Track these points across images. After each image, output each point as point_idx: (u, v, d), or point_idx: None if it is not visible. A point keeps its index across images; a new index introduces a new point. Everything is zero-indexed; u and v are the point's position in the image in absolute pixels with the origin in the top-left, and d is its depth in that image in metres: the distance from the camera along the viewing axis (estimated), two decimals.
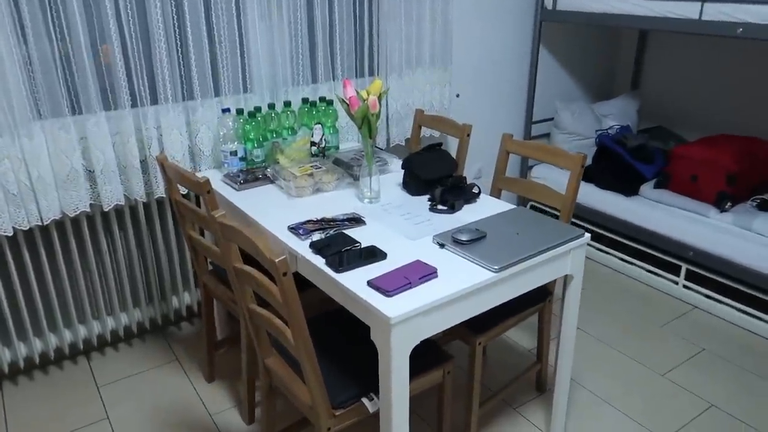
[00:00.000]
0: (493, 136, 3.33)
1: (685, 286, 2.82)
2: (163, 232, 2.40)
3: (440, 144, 2.07)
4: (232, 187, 2.09)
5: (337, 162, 2.21)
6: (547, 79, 3.48)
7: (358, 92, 1.84)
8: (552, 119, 3.50)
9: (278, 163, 2.20)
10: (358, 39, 2.58)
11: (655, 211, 2.89)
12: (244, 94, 2.34)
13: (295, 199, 1.99)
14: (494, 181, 2.19)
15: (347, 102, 1.85)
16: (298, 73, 2.44)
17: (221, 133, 2.19)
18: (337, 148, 2.44)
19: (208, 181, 1.73)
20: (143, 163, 2.20)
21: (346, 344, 1.70)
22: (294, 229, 1.72)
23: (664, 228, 2.83)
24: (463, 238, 1.61)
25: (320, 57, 2.46)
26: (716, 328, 2.62)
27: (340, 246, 1.61)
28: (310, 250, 1.62)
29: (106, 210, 2.13)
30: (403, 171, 2.04)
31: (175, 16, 2.10)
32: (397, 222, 1.80)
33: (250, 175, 2.13)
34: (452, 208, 1.86)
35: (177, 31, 2.12)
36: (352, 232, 1.72)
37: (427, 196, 1.99)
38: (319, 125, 2.18)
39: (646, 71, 3.70)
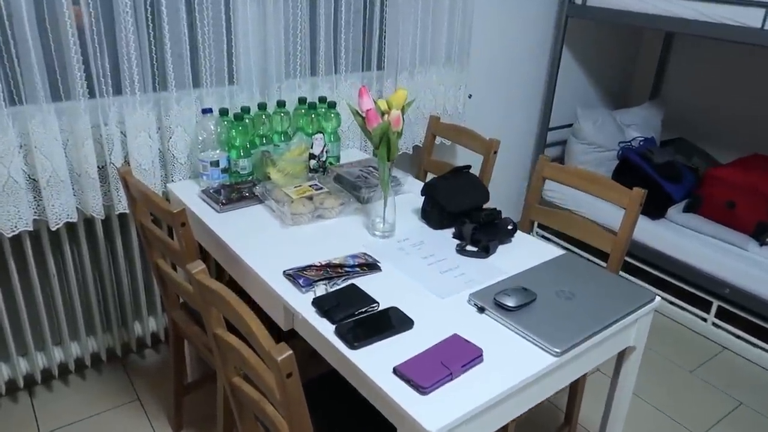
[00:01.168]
0: (505, 142, 2.99)
1: (714, 324, 2.54)
2: (126, 249, 2.01)
3: (468, 167, 1.71)
4: (211, 207, 1.71)
5: (340, 180, 1.84)
6: (565, 82, 3.14)
7: (376, 102, 1.47)
8: (568, 126, 3.17)
9: (269, 177, 1.82)
10: (366, 29, 2.19)
11: (683, 238, 2.60)
12: (230, 87, 1.94)
13: (291, 227, 1.62)
14: (525, 211, 1.85)
15: (362, 114, 1.48)
16: (295, 64, 2.05)
17: (200, 138, 1.80)
18: (338, 158, 2.06)
19: (183, 212, 1.35)
20: (102, 170, 1.80)
21: (356, 427, 1.35)
22: (292, 277, 1.35)
23: (694, 258, 2.54)
24: (510, 303, 1.26)
25: (322, 46, 2.07)
26: (751, 375, 2.35)
27: (352, 306, 1.25)
28: (314, 310, 1.26)
29: (54, 228, 1.72)
30: (423, 197, 1.68)
31: None
32: (420, 269, 1.44)
33: (234, 192, 1.75)
34: (486, 252, 1.52)
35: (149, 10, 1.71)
36: (366, 282, 1.36)
37: (452, 231, 1.64)
38: (321, 135, 1.80)
39: (669, 78, 3.39)
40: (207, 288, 1.07)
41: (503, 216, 1.61)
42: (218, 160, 1.79)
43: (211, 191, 1.76)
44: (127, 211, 1.83)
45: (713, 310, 2.53)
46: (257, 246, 1.51)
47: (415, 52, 2.28)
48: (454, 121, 2.51)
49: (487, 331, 1.22)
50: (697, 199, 2.67)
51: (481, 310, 1.28)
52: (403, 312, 1.25)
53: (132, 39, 1.67)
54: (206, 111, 1.79)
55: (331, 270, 1.38)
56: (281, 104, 1.96)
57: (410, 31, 2.23)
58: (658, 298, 1.37)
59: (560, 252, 1.55)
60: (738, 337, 2.48)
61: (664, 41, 3.33)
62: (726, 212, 2.56)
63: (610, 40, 3.27)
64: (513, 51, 2.80)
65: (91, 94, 1.68)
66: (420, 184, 1.90)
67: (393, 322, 1.21)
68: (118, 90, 1.74)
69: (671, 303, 2.69)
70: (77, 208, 1.78)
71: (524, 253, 1.55)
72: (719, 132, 3.20)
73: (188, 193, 1.80)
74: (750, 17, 2.13)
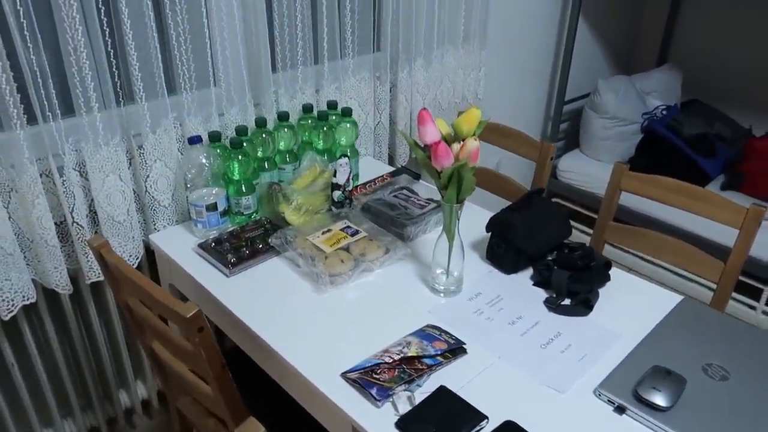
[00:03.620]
0: (516, 118, 2.64)
1: (765, 313, 2.33)
2: (101, 312, 1.58)
3: (541, 191, 1.36)
4: (216, 268, 1.31)
5: (372, 212, 1.46)
6: (576, 51, 2.78)
7: (441, 131, 1.09)
8: (580, 98, 2.83)
9: (281, 216, 1.42)
10: (376, 9, 1.76)
11: None
12: (214, 89, 1.50)
13: (329, 292, 1.25)
14: (597, 230, 1.53)
15: (423, 148, 1.10)
16: (293, 50, 1.61)
17: (187, 176, 1.38)
18: (357, 176, 1.67)
19: (199, 316, 0.95)
20: (61, 228, 1.36)
21: None
22: (359, 384, 0.99)
23: None
24: (661, 400, 0.95)
25: (325, 27, 1.63)
26: None
27: (455, 427, 0.91)
28: None
29: (7, 318, 1.29)
30: (488, 233, 1.33)
31: None
32: (514, 344, 1.11)
33: (243, 244, 1.35)
34: (587, 307, 1.19)
35: None
36: (454, 377, 1.02)
37: (527, 273, 1.30)
38: (346, 159, 1.41)
39: (678, 36, 3.07)
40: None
41: (589, 247, 1.27)
42: (215, 202, 1.38)
43: (211, 244, 1.35)
44: (102, 279, 1.41)
45: (764, 298, 2.31)
46: (291, 328, 1.14)
47: (432, 32, 1.87)
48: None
49: None
50: (737, 175, 2.42)
51: (621, 410, 0.96)
52: (523, 429, 0.92)
53: (82, 42, 1.21)
54: (194, 140, 1.36)
55: (408, 367, 1.02)
56: (284, 117, 1.55)
57: (425, 6, 1.82)
58: None
59: (674, 296, 1.23)
60: None
61: None
62: None
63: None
64: (522, 20, 2.42)
65: (31, 119, 1.21)
66: (470, 207, 1.54)
67: None
68: (68, 109, 1.28)
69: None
70: (33, 279, 1.35)
71: (628, 300, 1.23)
72: (734, 92, 2.93)
73: (179, 246, 1.39)
74: None
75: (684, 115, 2.70)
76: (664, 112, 2.70)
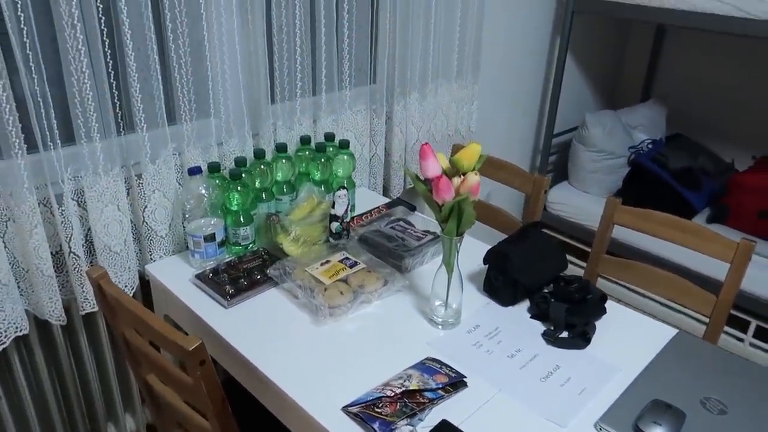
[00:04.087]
0: (507, 150, 2.68)
1: (753, 345, 2.36)
2: (92, 342, 1.56)
3: (536, 224, 1.39)
4: (214, 299, 1.30)
5: (369, 244, 1.47)
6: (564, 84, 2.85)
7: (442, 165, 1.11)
8: (568, 132, 2.89)
9: (279, 246, 1.43)
10: (372, 44, 1.80)
11: None
12: (214, 119, 1.51)
13: (328, 323, 1.24)
14: (591, 263, 1.55)
15: (424, 181, 1.12)
16: (292, 83, 1.63)
17: (186, 206, 1.38)
18: (354, 208, 1.69)
19: (201, 348, 0.95)
20: (56, 258, 1.35)
21: None
22: (361, 419, 0.99)
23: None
24: None
25: (323, 61, 1.66)
26: None
27: None
28: None
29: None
30: (485, 266, 1.34)
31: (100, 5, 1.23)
32: (513, 376, 1.11)
33: (242, 276, 1.35)
34: (584, 340, 1.20)
35: (102, 20, 1.25)
36: (456, 410, 1.02)
37: (524, 305, 1.32)
38: (344, 191, 1.42)
39: (661, 72, 3.17)
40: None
41: (584, 279, 1.29)
42: (213, 233, 1.38)
43: (208, 275, 1.35)
44: (95, 310, 1.39)
45: (751, 330, 2.34)
46: (290, 360, 1.13)
47: (426, 66, 1.91)
48: (465, 143, 2.18)
49: None
50: (722, 208, 2.47)
51: None
52: None
53: (87, 72, 1.22)
54: (194, 171, 1.36)
55: (409, 401, 1.02)
56: (282, 148, 1.56)
57: (421, 41, 1.86)
58: None
59: (668, 329, 1.25)
60: None
61: (655, 34, 3.10)
62: (758, 222, 2.37)
63: (600, 35, 3.00)
64: (512, 56, 2.48)
65: (31, 147, 1.21)
66: (466, 239, 1.55)
67: None
68: (69, 137, 1.28)
69: (703, 323, 2.49)
70: (26, 310, 1.33)
71: (624, 333, 1.25)
72: (717, 127, 3.02)
73: (175, 277, 1.38)
74: None
75: (669, 148, 2.77)
76: (650, 146, 2.76)
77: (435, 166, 1.09)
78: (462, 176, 1.11)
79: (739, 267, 1.31)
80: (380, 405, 1.01)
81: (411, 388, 1.04)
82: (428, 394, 1.04)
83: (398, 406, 1.01)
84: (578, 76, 2.99)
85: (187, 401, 1.18)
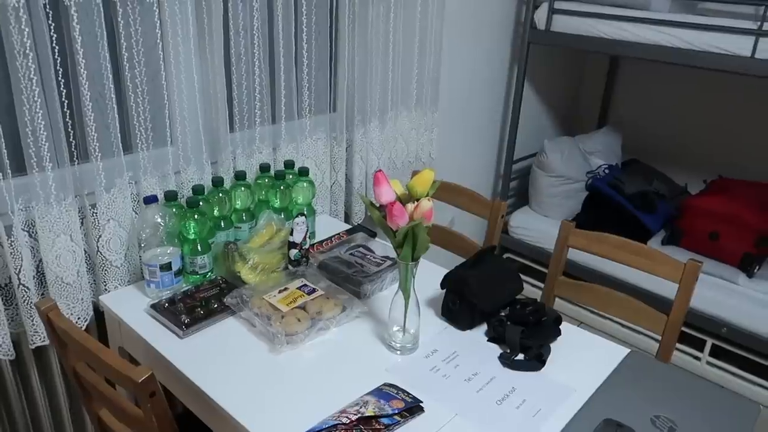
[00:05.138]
0: (469, 176, 2.73)
1: (709, 363, 2.42)
2: (43, 378, 1.51)
3: (493, 248, 1.41)
4: (169, 329, 1.28)
5: (328, 271, 1.47)
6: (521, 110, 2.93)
7: (396, 192, 1.13)
8: (528, 158, 2.97)
9: (237, 275, 1.42)
10: (332, 72, 1.83)
11: None
12: (171, 147, 1.51)
13: (286, 351, 1.24)
14: (548, 286, 1.58)
15: (378, 208, 1.13)
16: (251, 111, 1.64)
17: (141, 235, 1.36)
18: (314, 234, 1.69)
19: (152, 379, 0.93)
20: (5, 290, 1.31)
21: None
22: None
23: None
24: None
25: (282, 89, 1.68)
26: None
27: None
28: None
29: None
30: (443, 290, 1.36)
31: (54, 35, 1.23)
32: (470, 401, 1.12)
33: (198, 304, 1.33)
34: (540, 362, 1.22)
35: (56, 48, 1.25)
36: None
37: (482, 329, 1.33)
38: (303, 218, 1.43)
39: (616, 100, 3.29)
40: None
41: (539, 301, 1.32)
42: (170, 262, 1.37)
43: (164, 305, 1.33)
44: (47, 343, 1.35)
45: (707, 348, 2.41)
46: (247, 390, 1.12)
47: (386, 94, 1.95)
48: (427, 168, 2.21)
49: None
50: (676, 231, 2.55)
51: None
52: None
53: (39, 102, 1.21)
54: (150, 200, 1.35)
55: (365, 428, 1.02)
56: (241, 176, 1.56)
57: (380, 70, 1.90)
58: (761, 408, 1.13)
59: (621, 349, 1.28)
60: (734, 374, 2.36)
61: (609, 63, 3.22)
62: (709, 244, 2.45)
63: (557, 64, 3.11)
64: (472, 84, 2.55)
65: None
66: (424, 264, 1.57)
67: None
68: (20, 167, 1.26)
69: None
70: None
71: (578, 354, 1.27)
72: (669, 152, 3.13)
73: (130, 308, 1.36)
74: (739, 46, 2.00)
75: (625, 173, 2.86)
76: (606, 171, 2.85)
77: (388, 192, 1.11)
78: (416, 202, 1.13)
79: (687, 286, 1.36)
80: (336, 430, 1.00)
81: (367, 414, 1.04)
82: (384, 420, 1.04)
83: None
84: (537, 103, 3.07)
85: None
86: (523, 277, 2.91)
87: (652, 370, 1.21)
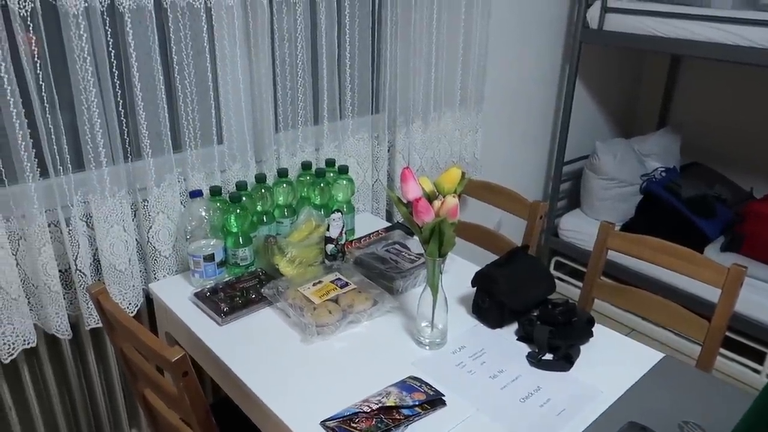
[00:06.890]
0: (518, 178, 2.70)
1: None
2: (100, 357, 1.62)
3: (526, 248, 1.41)
4: (209, 316, 1.36)
5: (363, 266, 1.51)
6: (574, 113, 2.87)
7: (423, 188, 1.16)
8: (579, 159, 2.90)
9: (276, 268, 1.48)
10: (374, 74, 1.87)
11: None
12: (220, 161, 1.60)
13: (317, 342, 1.28)
14: (586, 288, 1.55)
15: (405, 203, 1.16)
16: (295, 112, 1.70)
17: (188, 228, 1.45)
18: (353, 231, 1.73)
19: (184, 360, 0.99)
20: (65, 275, 1.42)
21: None
22: None
23: (742, 304, 2.29)
24: None
25: (325, 91, 1.73)
26: None
27: None
28: None
29: (8, 361, 1.34)
30: (474, 287, 1.36)
31: (110, 40, 1.33)
32: (494, 397, 1.12)
33: (237, 294, 1.40)
34: (568, 362, 1.21)
35: (112, 53, 1.35)
36: (430, 426, 1.04)
37: (512, 328, 1.33)
38: (339, 214, 1.47)
39: (677, 101, 3.16)
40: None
41: (572, 303, 1.30)
42: (213, 253, 1.44)
43: (206, 294, 1.40)
44: (101, 326, 1.46)
45: None
46: (276, 376, 1.17)
47: (429, 95, 1.97)
48: (471, 170, 2.21)
49: None
50: (737, 237, 2.43)
51: None
52: None
53: (95, 103, 1.31)
54: (195, 194, 1.44)
55: (385, 417, 1.05)
56: (283, 173, 1.62)
57: (423, 71, 1.92)
58: None
59: (655, 354, 1.25)
60: None
61: (670, 63, 3.11)
62: None
63: (613, 64, 3.03)
64: (521, 84, 2.53)
65: (43, 172, 1.30)
66: (461, 262, 1.58)
67: None
68: (79, 164, 1.37)
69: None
70: (35, 325, 1.40)
71: (610, 356, 1.25)
72: (734, 155, 2.98)
73: (176, 295, 1.44)
74: None
75: (684, 176, 2.75)
76: (663, 174, 2.75)
77: (415, 188, 1.13)
78: (442, 199, 1.15)
79: (730, 292, 1.30)
80: (357, 420, 1.04)
81: (388, 404, 1.07)
82: (405, 411, 1.06)
83: (374, 422, 1.03)
84: (591, 104, 3.00)
85: (183, 419, 1.22)
86: (571, 280, 2.90)
87: (686, 377, 1.17)
